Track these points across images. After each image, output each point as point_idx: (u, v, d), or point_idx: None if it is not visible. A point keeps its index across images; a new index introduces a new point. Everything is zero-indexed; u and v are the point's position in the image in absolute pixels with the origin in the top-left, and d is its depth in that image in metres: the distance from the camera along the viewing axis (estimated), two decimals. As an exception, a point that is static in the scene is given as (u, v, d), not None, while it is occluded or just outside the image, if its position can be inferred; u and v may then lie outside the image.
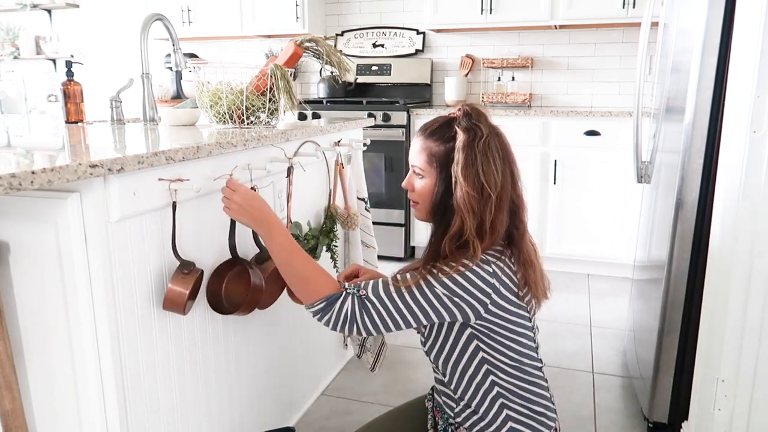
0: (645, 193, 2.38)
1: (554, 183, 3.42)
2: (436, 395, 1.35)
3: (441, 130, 1.20)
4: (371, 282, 1.19)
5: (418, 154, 1.23)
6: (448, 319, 1.15)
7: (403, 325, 1.16)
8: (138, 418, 1.22)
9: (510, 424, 1.20)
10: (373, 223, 2.39)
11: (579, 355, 2.48)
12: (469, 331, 1.18)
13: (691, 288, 1.70)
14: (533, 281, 1.20)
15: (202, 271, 1.30)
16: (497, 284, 1.14)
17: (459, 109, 1.21)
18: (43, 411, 1.21)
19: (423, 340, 1.29)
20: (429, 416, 1.37)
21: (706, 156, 1.62)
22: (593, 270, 3.50)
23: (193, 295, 1.27)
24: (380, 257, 2.55)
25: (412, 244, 3.83)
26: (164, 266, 1.26)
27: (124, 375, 1.17)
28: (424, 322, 1.16)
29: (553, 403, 1.28)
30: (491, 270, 1.14)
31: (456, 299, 1.13)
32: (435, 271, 1.14)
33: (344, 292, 1.18)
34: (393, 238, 3.77)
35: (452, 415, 1.27)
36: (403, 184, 1.28)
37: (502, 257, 1.18)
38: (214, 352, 1.48)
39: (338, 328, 1.18)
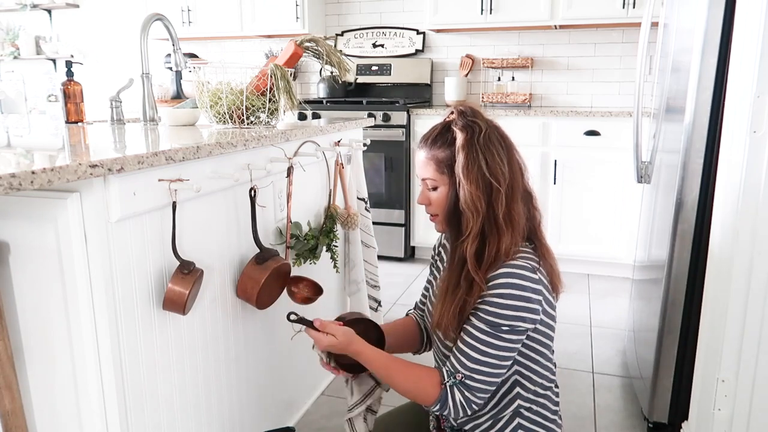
0: (645, 193, 2.38)
1: (554, 183, 3.42)
2: None
3: (441, 136, 1.18)
4: (455, 360, 1.14)
5: (425, 165, 1.19)
6: (522, 340, 1.14)
7: (503, 373, 1.15)
8: (138, 418, 1.22)
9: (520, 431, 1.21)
10: (373, 223, 2.39)
11: (579, 355, 2.48)
12: (522, 341, 1.16)
13: (691, 288, 1.70)
14: (554, 272, 1.20)
15: (202, 271, 1.30)
16: (543, 290, 1.13)
17: (452, 112, 1.19)
18: (43, 411, 1.21)
19: (450, 345, 1.21)
20: (431, 417, 1.37)
21: (706, 156, 1.62)
22: (593, 270, 3.50)
23: (193, 295, 1.27)
24: (380, 257, 2.55)
25: (412, 244, 3.83)
26: (164, 266, 1.26)
27: (124, 375, 1.17)
28: (513, 356, 1.15)
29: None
30: (537, 277, 1.12)
31: (521, 322, 1.11)
32: (486, 305, 1.10)
33: (447, 388, 1.15)
34: (393, 238, 3.77)
35: (455, 424, 1.27)
36: (418, 200, 1.24)
37: (539, 259, 1.16)
38: (214, 352, 1.48)
39: (460, 414, 1.15)
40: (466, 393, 1.13)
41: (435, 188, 1.19)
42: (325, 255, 1.97)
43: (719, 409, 1.58)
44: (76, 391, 1.16)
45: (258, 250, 1.52)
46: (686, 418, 1.75)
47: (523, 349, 1.17)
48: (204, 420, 1.45)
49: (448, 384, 1.15)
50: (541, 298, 1.13)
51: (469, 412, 1.16)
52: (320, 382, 2.18)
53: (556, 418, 1.26)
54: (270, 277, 1.50)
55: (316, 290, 1.68)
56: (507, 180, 1.13)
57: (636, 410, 2.05)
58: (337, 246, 2.03)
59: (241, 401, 1.62)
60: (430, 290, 1.39)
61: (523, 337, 1.14)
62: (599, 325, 2.78)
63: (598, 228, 3.40)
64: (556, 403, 1.27)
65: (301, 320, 1.26)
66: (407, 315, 1.48)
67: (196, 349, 1.40)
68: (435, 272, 1.39)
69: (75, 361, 1.14)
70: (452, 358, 1.16)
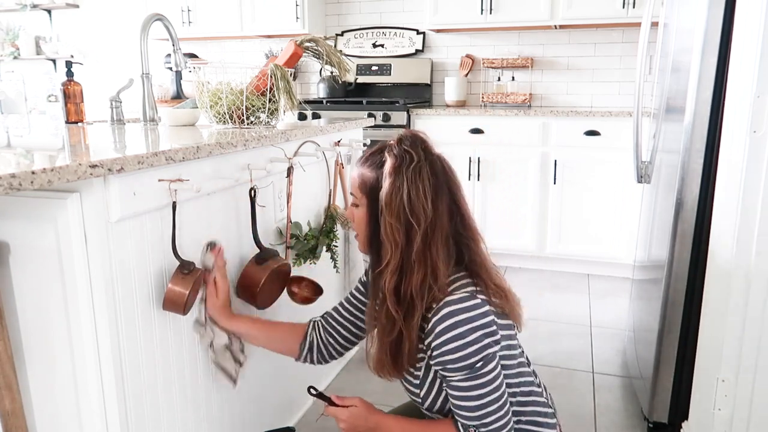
0: (645, 193, 2.38)
1: (554, 183, 3.42)
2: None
3: (374, 156, 1.16)
4: (459, 415, 1.13)
5: (353, 181, 1.19)
6: (498, 360, 1.12)
7: (506, 396, 1.13)
8: (138, 418, 1.22)
9: None
10: (373, 223, 2.38)
11: (579, 355, 2.48)
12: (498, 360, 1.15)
13: (691, 288, 1.70)
14: (509, 309, 1.17)
15: (202, 271, 1.30)
16: (490, 308, 1.11)
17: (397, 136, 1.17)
18: (43, 411, 1.21)
19: (417, 392, 1.21)
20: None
21: (706, 156, 1.62)
22: (593, 270, 3.50)
23: (193, 295, 1.27)
24: (380, 257, 2.55)
25: (412, 244, 3.83)
26: (164, 266, 1.26)
27: (124, 375, 1.17)
28: (502, 380, 1.13)
29: (552, 406, 1.28)
30: (478, 301, 1.09)
31: (489, 348, 1.09)
32: (445, 355, 1.08)
33: None
34: (393, 238, 3.76)
35: None
36: (346, 213, 1.24)
37: (474, 279, 1.14)
38: (214, 352, 1.48)
39: None
40: None
41: (357, 206, 1.19)
42: (325, 255, 1.97)
43: (719, 409, 1.58)
44: (76, 391, 1.16)
45: (258, 250, 1.52)
46: (686, 418, 1.75)
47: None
48: (204, 419, 1.45)
49: None
50: (491, 317, 1.10)
51: None
52: (320, 382, 2.18)
53: (548, 419, 1.24)
54: (270, 277, 1.50)
55: (316, 290, 1.68)
56: (428, 219, 1.09)
57: (636, 410, 2.06)
58: (337, 246, 2.03)
59: (242, 401, 1.62)
60: (357, 308, 1.39)
61: (498, 358, 1.12)
62: (599, 325, 2.78)
63: (598, 228, 3.40)
64: (545, 404, 1.25)
65: (320, 395, 1.27)
66: (310, 321, 1.45)
67: (196, 348, 1.40)
68: (363, 293, 1.38)
69: (75, 361, 1.14)
70: (456, 415, 1.15)
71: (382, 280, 1.12)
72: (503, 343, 1.14)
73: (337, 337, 1.40)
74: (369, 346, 1.23)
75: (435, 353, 1.10)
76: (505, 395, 1.13)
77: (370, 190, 1.14)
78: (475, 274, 1.16)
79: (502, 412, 1.12)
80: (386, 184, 1.10)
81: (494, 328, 1.10)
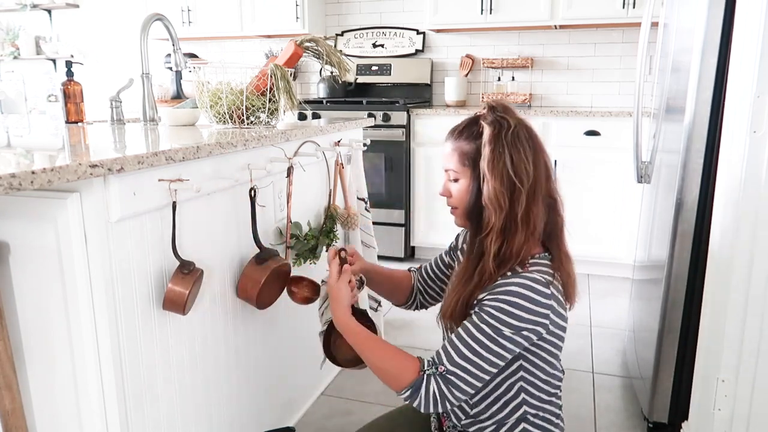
0: (645, 193, 2.38)
1: (554, 183, 3.42)
2: None
3: (468, 128, 1.18)
4: (443, 352, 1.13)
5: (449, 156, 1.20)
6: (516, 351, 1.13)
7: (486, 379, 1.13)
8: (138, 418, 1.22)
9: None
10: (373, 223, 2.39)
11: (579, 355, 2.48)
12: (517, 352, 1.14)
13: (691, 288, 1.70)
14: (570, 279, 1.18)
15: (202, 271, 1.30)
16: (554, 304, 1.11)
17: (484, 107, 1.19)
18: (43, 411, 1.21)
19: None
20: (432, 418, 1.37)
21: (706, 156, 1.62)
22: (593, 270, 3.50)
23: (193, 295, 1.27)
24: (380, 257, 2.55)
25: (412, 244, 3.83)
26: (164, 266, 1.26)
27: (124, 375, 1.17)
28: (502, 365, 1.13)
29: (561, 411, 1.29)
30: (549, 292, 1.10)
31: (523, 332, 1.10)
32: (491, 308, 1.09)
33: (425, 375, 1.13)
34: (393, 238, 3.77)
35: (458, 424, 1.26)
36: (440, 192, 1.24)
37: (554, 272, 1.15)
38: (214, 352, 1.48)
39: (431, 409, 1.12)
40: (443, 386, 1.11)
41: (456, 180, 1.20)
42: (325, 255, 1.97)
43: (719, 409, 1.58)
44: (76, 391, 1.16)
45: (258, 250, 1.52)
46: (686, 418, 1.75)
47: (531, 357, 1.16)
48: (203, 419, 1.45)
49: (427, 372, 1.13)
50: (549, 311, 1.11)
51: (440, 409, 1.13)
52: (320, 382, 2.19)
53: (559, 422, 1.25)
54: (270, 277, 1.50)
55: (316, 290, 1.67)
56: (530, 180, 1.13)
57: (636, 410, 2.06)
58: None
59: (241, 401, 1.62)
60: (441, 270, 1.44)
61: (518, 349, 1.12)
62: (599, 325, 2.78)
63: (598, 228, 3.40)
64: (560, 407, 1.27)
65: (342, 259, 1.34)
66: (409, 270, 1.52)
67: (195, 349, 1.40)
68: (451, 257, 1.41)
69: (75, 361, 1.14)
70: (440, 350, 1.14)
71: (486, 242, 1.14)
72: (551, 339, 1.15)
73: (434, 288, 1.47)
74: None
75: (484, 301, 1.11)
76: (485, 379, 1.12)
77: (471, 160, 1.16)
78: (554, 237, 1.20)
79: (471, 380, 1.11)
80: (486, 151, 1.12)
81: (544, 322, 1.11)
